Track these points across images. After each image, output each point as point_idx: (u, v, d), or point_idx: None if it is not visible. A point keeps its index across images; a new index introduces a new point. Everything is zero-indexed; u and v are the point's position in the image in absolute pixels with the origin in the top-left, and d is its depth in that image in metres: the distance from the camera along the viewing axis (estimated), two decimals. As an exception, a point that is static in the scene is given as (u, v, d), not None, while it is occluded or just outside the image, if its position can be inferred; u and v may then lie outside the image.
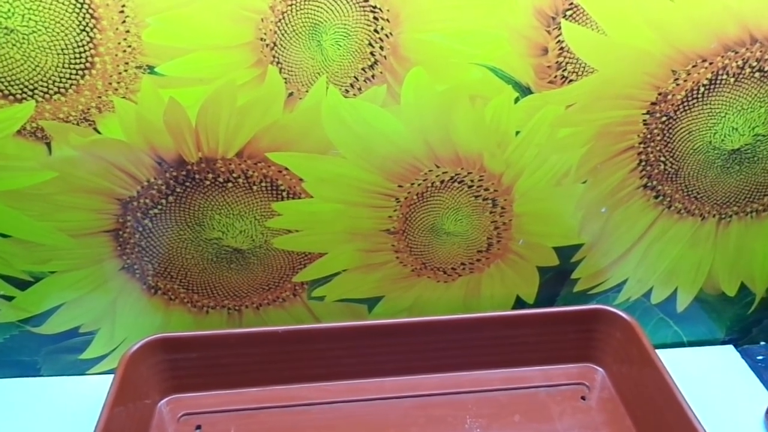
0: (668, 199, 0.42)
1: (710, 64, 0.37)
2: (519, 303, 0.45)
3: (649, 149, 0.40)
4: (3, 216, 0.38)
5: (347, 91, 0.36)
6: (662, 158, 0.40)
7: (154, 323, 0.42)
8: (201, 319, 0.43)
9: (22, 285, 0.40)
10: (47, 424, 0.40)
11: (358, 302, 0.43)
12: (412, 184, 0.40)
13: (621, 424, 0.39)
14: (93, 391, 0.41)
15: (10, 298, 0.41)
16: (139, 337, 0.39)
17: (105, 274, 0.40)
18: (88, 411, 0.37)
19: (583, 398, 0.41)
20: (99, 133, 0.36)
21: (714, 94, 0.38)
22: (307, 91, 0.36)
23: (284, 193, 0.39)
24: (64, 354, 0.43)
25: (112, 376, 0.37)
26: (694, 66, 0.37)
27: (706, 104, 0.38)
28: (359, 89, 0.36)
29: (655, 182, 0.41)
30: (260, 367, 0.41)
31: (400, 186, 0.39)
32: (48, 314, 0.41)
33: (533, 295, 0.44)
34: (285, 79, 0.35)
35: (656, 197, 0.42)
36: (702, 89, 0.38)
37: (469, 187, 0.40)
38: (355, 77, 0.36)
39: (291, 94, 0.36)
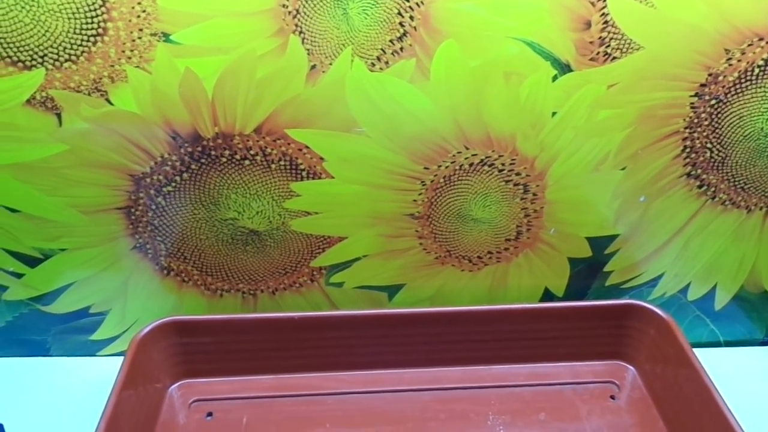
0: (713, 189, 0.39)
1: (767, 43, 0.34)
2: (547, 295, 0.43)
3: (695, 135, 0.37)
4: (12, 190, 0.36)
5: (373, 64, 0.34)
6: (708, 145, 0.38)
7: (166, 305, 0.41)
8: (215, 303, 0.41)
9: (32, 262, 0.39)
10: (56, 405, 0.39)
11: (378, 290, 0.42)
12: (439, 166, 0.37)
13: (653, 426, 0.37)
14: (103, 372, 0.40)
15: (19, 276, 0.39)
16: (151, 319, 0.38)
17: (117, 253, 0.39)
18: (98, 393, 0.36)
19: (612, 397, 0.39)
20: (111, 104, 0.34)
21: (769, 76, 0.35)
22: (330, 64, 0.34)
23: (304, 173, 0.37)
24: (74, 334, 0.42)
25: (122, 358, 0.36)
26: (749, 45, 0.34)
27: (759, 87, 0.36)
28: (386, 63, 0.34)
29: (699, 171, 0.38)
30: (275, 354, 0.39)
31: (426, 168, 0.37)
32: (58, 293, 0.40)
33: (563, 288, 0.42)
34: (308, 50, 0.33)
35: (700, 187, 0.39)
36: (757, 71, 0.35)
37: (500, 171, 0.38)
38: (382, 50, 0.33)
39: (314, 66, 0.34)
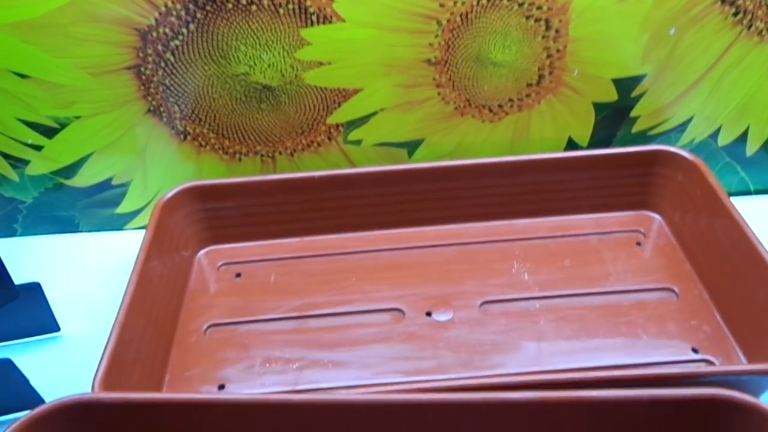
0: (749, 16, 0.37)
1: None
2: (571, 146, 0.41)
3: (733, -49, 0.34)
4: (18, 53, 0.36)
5: None
6: (747, -37, 0.35)
7: (186, 172, 0.41)
8: (234, 167, 0.41)
9: (49, 132, 0.39)
10: (88, 280, 0.40)
11: (397, 146, 0.41)
12: (455, 2, 0.35)
13: (680, 268, 0.37)
14: (132, 245, 0.41)
15: (39, 148, 0.40)
16: (173, 187, 0.38)
17: (131, 118, 0.39)
18: (127, 265, 0.37)
19: (638, 244, 0.39)
20: (107, -54, 0.32)
21: None
22: None
23: (314, 17, 0.35)
24: (99, 208, 0.42)
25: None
26: None
27: None
28: None
29: (735, -5, 0.36)
30: (298, 216, 0.39)
31: (441, 5, 0.35)
32: (78, 165, 0.40)
33: (587, 137, 0.41)
34: None
35: (735, 14, 0.36)
36: None
37: (520, 5, 0.36)
38: None
39: None
